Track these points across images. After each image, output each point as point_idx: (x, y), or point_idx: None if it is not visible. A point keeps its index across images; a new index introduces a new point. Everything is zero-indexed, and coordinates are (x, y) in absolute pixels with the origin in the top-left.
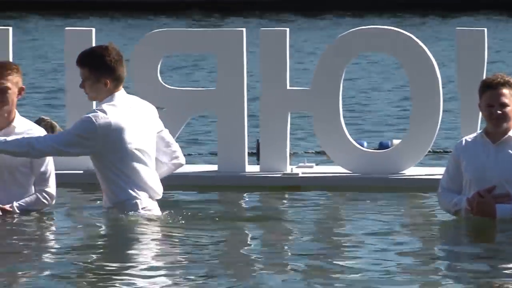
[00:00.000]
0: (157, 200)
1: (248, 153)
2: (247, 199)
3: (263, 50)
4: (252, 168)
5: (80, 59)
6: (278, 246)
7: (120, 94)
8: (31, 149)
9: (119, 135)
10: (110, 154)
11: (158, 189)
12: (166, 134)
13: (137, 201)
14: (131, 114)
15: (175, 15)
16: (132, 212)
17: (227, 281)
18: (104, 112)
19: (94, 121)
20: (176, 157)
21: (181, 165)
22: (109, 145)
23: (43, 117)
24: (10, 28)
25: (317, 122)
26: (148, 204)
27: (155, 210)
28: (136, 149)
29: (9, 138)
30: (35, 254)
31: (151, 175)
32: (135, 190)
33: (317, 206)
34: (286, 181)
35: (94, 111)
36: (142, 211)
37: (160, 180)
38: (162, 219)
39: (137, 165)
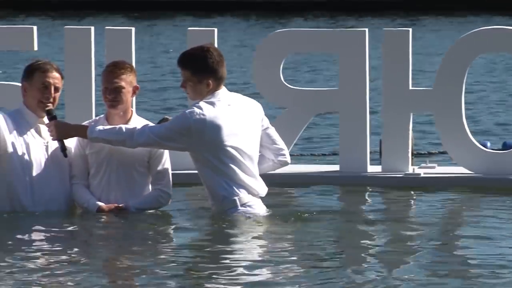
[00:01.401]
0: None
1: (370, 153)
2: (368, 199)
3: (385, 50)
4: (374, 168)
5: (182, 60)
6: (395, 246)
7: (221, 92)
8: (128, 139)
9: (214, 132)
10: (206, 151)
11: (258, 187)
12: (272, 131)
13: (236, 198)
14: (229, 112)
15: (296, 15)
16: (231, 209)
17: (347, 279)
18: (200, 109)
19: (189, 117)
20: (282, 155)
21: (286, 163)
22: (204, 143)
23: (167, 116)
24: (133, 29)
25: (439, 122)
26: (249, 201)
27: (257, 207)
28: (232, 147)
29: (107, 127)
30: (150, 253)
31: (250, 173)
32: (233, 187)
33: (439, 207)
34: (408, 182)
35: (191, 108)
36: (241, 208)
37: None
38: (264, 216)
39: (234, 162)
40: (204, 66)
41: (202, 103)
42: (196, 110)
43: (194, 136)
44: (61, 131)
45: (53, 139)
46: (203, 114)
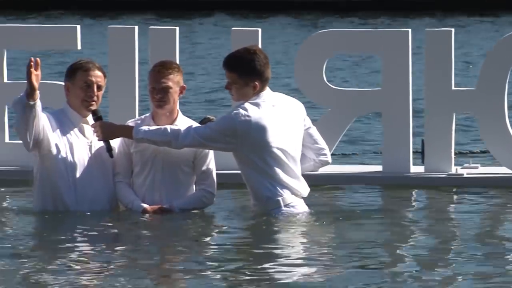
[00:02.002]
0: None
1: (413, 153)
2: (410, 200)
3: (428, 50)
4: (416, 169)
5: (228, 62)
6: (438, 247)
7: (265, 93)
8: (173, 140)
9: (260, 134)
10: (250, 152)
11: (301, 188)
12: (314, 131)
13: (280, 198)
14: (274, 113)
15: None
16: (275, 209)
17: (389, 278)
18: (246, 110)
19: (235, 119)
20: (323, 155)
21: (327, 163)
22: (250, 144)
23: (209, 116)
24: (177, 28)
25: (482, 122)
26: (292, 201)
27: (300, 207)
28: (277, 148)
29: (152, 128)
30: (194, 253)
31: (293, 173)
32: (277, 187)
33: (482, 207)
34: (451, 182)
35: (236, 109)
36: (285, 208)
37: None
38: (307, 216)
39: (278, 163)
40: (250, 69)
41: (247, 104)
42: (242, 111)
43: (239, 137)
44: (106, 132)
45: (99, 140)
46: (248, 116)
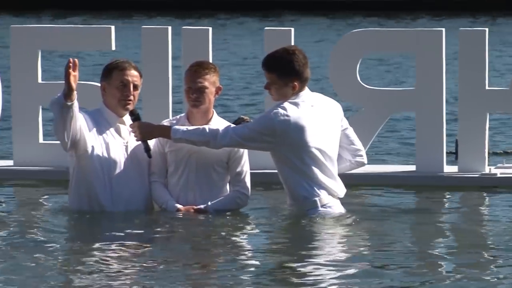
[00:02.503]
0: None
1: (446, 153)
2: (444, 199)
3: (461, 50)
4: (450, 169)
5: (268, 63)
6: (471, 246)
7: (304, 92)
8: (212, 140)
9: (298, 133)
10: (288, 152)
11: (338, 188)
12: (351, 131)
13: (317, 198)
14: (312, 113)
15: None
16: (312, 209)
17: (422, 278)
18: (284, 109)
19: (274, 118)
20: (360, 156)
21: (363, 164)
22: (288, 143)
23: (243, 116)
24: (210, 28)
25: None
26: (329, 201)
27: (336, 207)
28: (315, 147)
29: (190, 128)
30: (229, 254)
31: (330, 174)
32: (314, 188)
33: None
34: (484, 182)
35: (275, 108)
36: (321, 209)
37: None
38: (344, 217)
39: (316, 163)
40: (290, 70)
41: (286, 104)
42: (280, 111)
43: (278, 137)
44: (144, 132)
45: (137, 140)
46: (287, 115)
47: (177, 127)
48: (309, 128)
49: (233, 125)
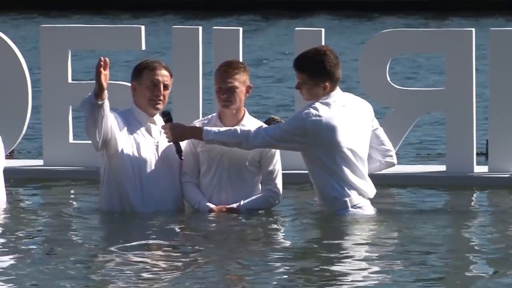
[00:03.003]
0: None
1: (477, 153)
2: (474, 199)
3: (492, 50)
4: (480, 169)
5: (299, 64)
6: (502, 246)
7: (336, 93)
8: (244, 141)
9: (330, 133)
10: (320, 152)
11: (368, 189)
12: (381, 132)
13: (347, 199)
14: (344, 113)
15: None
16: (342, 210)
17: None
18: (316, 110)
19: (305, 118)
20: (389, 156)
21: (393, 164)
22: (319, 143)
23: (273, 116)
24: (240, 29)
25: None
26: (359, 202)
27: (367, 208)
28: (346, 148)
29: (222, 129)
30: (261, 253)
31: (361, 174)
32: (345, 188)
33: None
34: None
35: (307, 109)
36: (352, 209)
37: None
38: (374, 217)
39: (346, 164)
40: (321, 70)
41: (317, 104)
42: (312, 111)
43: (309, 137)
44: (176, 134)
45: (169, 142)
46: (319, 116)
47: (208, 128)
48: (341, 128)
49: (265, 125)
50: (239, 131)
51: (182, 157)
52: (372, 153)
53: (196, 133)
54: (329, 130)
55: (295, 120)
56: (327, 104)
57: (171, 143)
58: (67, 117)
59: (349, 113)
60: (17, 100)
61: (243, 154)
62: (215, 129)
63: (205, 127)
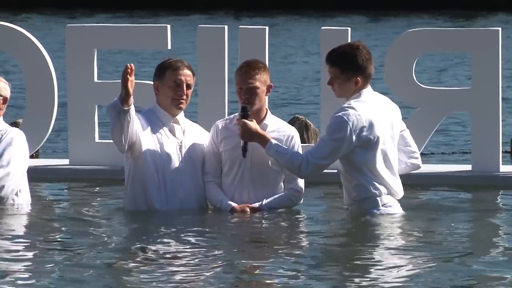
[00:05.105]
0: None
1: (502, 152)
2: (500, 199)
3: None
4: (506, 168)
5: (331, 58)
6: None
7: (368, 90)
8: (296, 170)
9: (370, 131)
10: (357, 151)
11: (398, 189)
12: (407, 134)
13: (378, 198)
14: (378, 112)
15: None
16: (372, 209)
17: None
18: (354, 109)
19: (347, 120)
20: (415, 158)
21: (418, 166)
22: (359, 142)
23: (297, 115)
24: (266, 28)
25: None
26: (388, 201)
27: (396, 207)
28: (382, 146)
29: (282, 150)
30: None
31: (391, 174)
32: (376, 187)
33: None
34: None
35: (343, 110)
36: (382, 208)
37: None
38: (403, 217)
39: (379, 163)
40: (353, 64)
41: (353, 103)
42: (350, 110)
43: (353, 137)
44: (246, 133)
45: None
46: (358, 114)
47: (274, 142)
48: (378, 126)
49: (297, 147)
50: (294, 160)
51: (245, 156)
52: (398, 154)
53: (261, 141)
54: (369, 127)
55: (334, 125)
56: (362, 102)
57: (195, 143)
58: (93, 116)
59: (382, 111)
60: (43, 100)
61: (265, 154)
62: (278, 146)
63: (272, 140)
